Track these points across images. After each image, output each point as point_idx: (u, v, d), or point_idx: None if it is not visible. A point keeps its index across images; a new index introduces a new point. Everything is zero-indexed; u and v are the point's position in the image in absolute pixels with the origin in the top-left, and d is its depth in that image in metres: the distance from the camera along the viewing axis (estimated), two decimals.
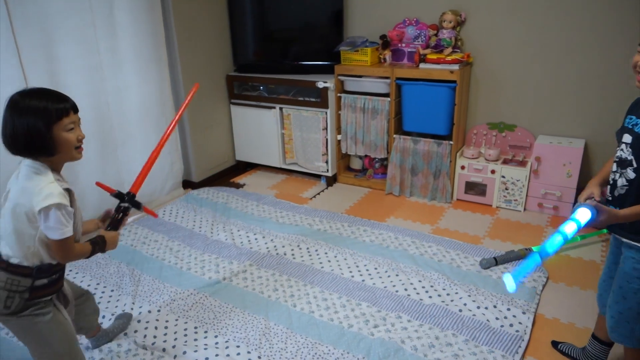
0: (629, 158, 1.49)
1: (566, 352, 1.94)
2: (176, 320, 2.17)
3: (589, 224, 1.42)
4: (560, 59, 2.99)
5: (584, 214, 1.41)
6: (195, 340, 2.04)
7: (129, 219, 1.74)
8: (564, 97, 3.04)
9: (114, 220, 1.64)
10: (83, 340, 1.97)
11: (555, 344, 1.98)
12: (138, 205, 1.69)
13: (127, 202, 1.66)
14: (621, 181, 1.51)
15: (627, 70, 2.83)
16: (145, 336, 2.07)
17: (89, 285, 2.44)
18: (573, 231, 1.40)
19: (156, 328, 2.12)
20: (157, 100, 3.21)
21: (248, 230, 2.97)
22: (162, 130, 3.29)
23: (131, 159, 3.14)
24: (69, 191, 1.41)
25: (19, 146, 1.35)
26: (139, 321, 2.17)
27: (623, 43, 2.80)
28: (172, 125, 1.91)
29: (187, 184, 3.72)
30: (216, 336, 2.05)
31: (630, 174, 1.48)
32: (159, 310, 2.23)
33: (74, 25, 2.64)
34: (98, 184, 1.78)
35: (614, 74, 2.87)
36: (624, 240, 1.55)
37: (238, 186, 3.76)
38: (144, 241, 2.85)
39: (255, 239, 2.87)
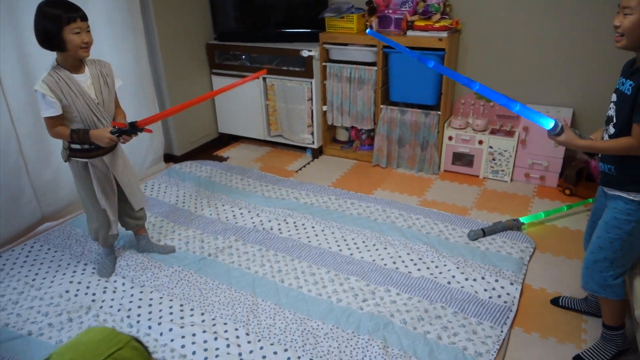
0: (612, 115, 1.55)
1: (568, 305, 1.98)
2: (161, 298, 2.12)
3: (547, 130, 1.55)
4: (548, 26, 2.92)
5: (549, 120, 1.52)
6: (182, 318, 2.00)
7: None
8: (552, 66, 2.99)
9: (118, 130, 1.95)
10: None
11: (555, 301, 2.01)
12: (139, 130, 1.97)
13: (131, 129, 1.96)
14: (605, 137, 1.58)
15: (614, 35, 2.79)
16: (128, 316, 2.02)
17: (69, 264, 2.37)
18: (527, 111, 1.54)
19: (140, 307, 2.07)
20: (133, 69, 3.06)
21: (233, 204, 2.91)
22: (140, 99, 3.16)
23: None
24: (65, 82, 1.87)
25: (40, 41, 1.83)
26: (122, 297, 2.12)
27: (611, 10, 2.74)
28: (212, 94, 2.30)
29: (169, 158, 3.61)
30: (202, 314, 2.02)
31: (611, 129, 1.55)
32: (142, 287, 2.18)
33: None
34: (114, 123, 2.03)
35: (602, 42, 2.82)
36: (609, 192, 1.61)
37: (221, 159, 3.66)
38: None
39: (241, 213, 2.81)
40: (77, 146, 2.01)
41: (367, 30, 2.42)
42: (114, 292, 2.17)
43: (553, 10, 2.87)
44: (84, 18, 1.84)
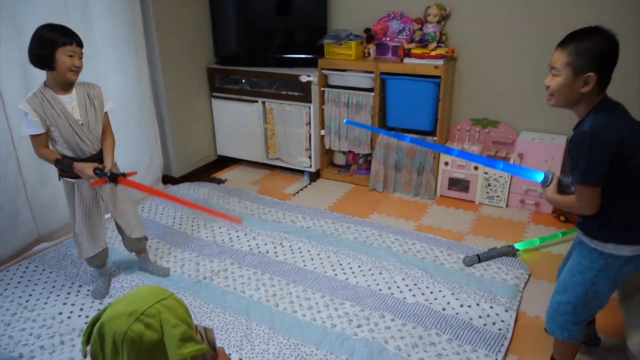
0: None
1: None
2: None
3: (534, 181, 1.59)
4: (543, 55, 2.99)
5: (539, 173, 1.55)
6: None
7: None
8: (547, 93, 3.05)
9: (101, 173, 2.01)
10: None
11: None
12: (115, 181, 2.06)
13: (110, 179, 2.04)
14: None
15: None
16: None
17: (63, 285, 2.36)
18: (513, 168, 1.65)
19: None
20: (134, 92, 3.11)
21: (230, 227, 2.92)
22: (141, 121, 3.20)
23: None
24: (49, 102, 1.93)
25: (31, 59, 1.90)
26: None
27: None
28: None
29: (167, 179, 3.63)
30: None
31: None
32: None
33: (46, 12, 2.52)
34: (104, 149, 2.12)
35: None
36: (579, 235, 1.60)
37: (219, 182, 3.69)
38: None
39: (237, 236, 2.81)
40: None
41: (345, 120, 2.69)
42: None
43: (547, 38, 2.94)
44: (80, 44, 1.93)
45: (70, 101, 2.00)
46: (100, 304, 2.23)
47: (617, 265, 1.48)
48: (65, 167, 2.00)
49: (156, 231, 2.87)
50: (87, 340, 0.91)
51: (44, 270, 2.50)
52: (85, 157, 2.04)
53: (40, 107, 1.91)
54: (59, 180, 2.13)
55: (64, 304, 2.23)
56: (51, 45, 1.85)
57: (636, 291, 1.71)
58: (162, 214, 3.10)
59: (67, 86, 2.00)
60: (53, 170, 2.67)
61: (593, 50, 1.38)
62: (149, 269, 2.45)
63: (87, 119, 2.03)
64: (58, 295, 2.29)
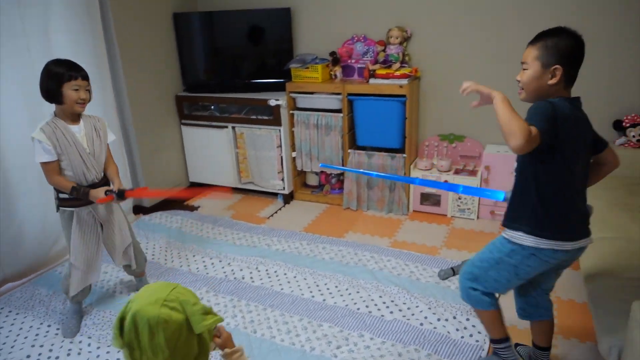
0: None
1: (521, 354, 1.99)
2: None
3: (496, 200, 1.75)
4: (501, 69, 3.11)
5: (499, 193, 1.71)
6: None
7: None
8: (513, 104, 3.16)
9: (113, 191, 2.11)
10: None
11: (516, 345, 2.03)
12: (122, 197, 2.13)
13: (118, 195, 2.11)
14: None
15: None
16: None
17: (31, 326, 2.27)
18: (473, 190, 1.83)
19: None
20: None
21: (204, 254, 2.88)
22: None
23: None
24: (61, 131, 2.01)
25: (43, 94, 2.00)
26: (87, 359, 2.04)
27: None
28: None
29: (138, 209, 3.57)
30: None
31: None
32: (109, 347, 2.10)
33: (7, 50, 2.49)
34: (108, 172, 2.21)
35: None
36: None
37: (192, 209, 3.65)
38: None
39: (212, 263, 2.78)
40: (65, 195, 2.09)
41: (320, 164, 2.80)
42: (79, 354, 2.08)
43: (504, 54, 3.07)
44: (85, 78, 2.04)
45: (79, 131, 2.09)
46: (71, 342, 2.15)
47: (521, 255, 1.56)
48: (82, 195, 2.05)
49: None
50: (119, 334, 1.03)
51: (10, 312, 2.40)
52: (87, 184, 2.11)
53: (53, 136, 2.00)
54: (57, 211, 2.16)
55: (32, 345, 2.15)
56: (58, 80, 1.96)
57: (604, 296, 1.76)
58: None
59: (75, 117, 2.09)
60: (21, 206, 2.62)
61: (559, 46, 1.48)
62: None
63: (94, 148, 2.13)
64: (26, 338, 2.20)
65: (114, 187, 2.16)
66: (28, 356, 2.08)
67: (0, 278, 2.60)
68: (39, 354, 2.09)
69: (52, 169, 2.03)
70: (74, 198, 2.08)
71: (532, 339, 1.90)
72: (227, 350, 1.20)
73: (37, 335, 2.22)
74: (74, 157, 2.05)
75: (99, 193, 2.06)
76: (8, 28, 2.50)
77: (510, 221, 1.61)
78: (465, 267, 1.74)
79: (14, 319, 2.34)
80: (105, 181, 2.19)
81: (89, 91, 2.06)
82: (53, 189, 2.12)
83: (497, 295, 1.73)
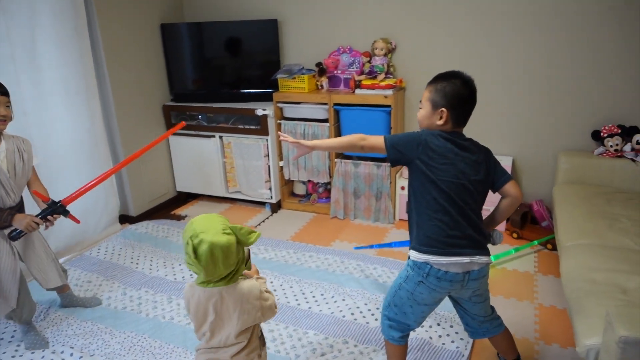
0: None
1: None
2: None
3: None
4: (486, 80, 3.18)
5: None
6: None
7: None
8: (491, 116, 3.23)
9: (42, 212, 2.02)
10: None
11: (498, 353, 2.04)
12: (64, 212, 2.06)
13: (55, 209, 2.03)
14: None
15: (550, 89, 3.06)
16: None
17: (12, 336, 2.24)
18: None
19: None
20: (88, 133, 3.08)
21: None
22: (96, 163, 3.15)
23: (65, 193, 2.94)
24: None
25: None
26: None
27: (545, 63, 3.03)
28: (131, 157, 2.42)
29: (125, 219, 3.55)
30: None
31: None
32: (91, 357, 2.08)
33: None
34: (35, 192, 2.08)
35: (536, 94, 3.09)
36: None
37: (179, 218, 3.64)
38: (75, 283, 2.68)
39: None
40: None
41: (354, 247, 2.92)
42: None
43: (487, 65, 3.14)
44: (5, 93, 1.93)
45: None
46: (53, 352, 2.12)
47: (413, 281, 1.60)
48: (4, 219, 1.93)
49: (112, 272, 2.79)
50: (197, 261, 1.28)
51: None
52: (5, 208, 2.00)
53: None
54: None
55: (13, 356, 2.11)
56: None
57: (582, 301, 1.79)
58: (119, 254, 3.02)
59: None
60: None
61: (446, 90, 1.58)
62: (79, 304, 2.43)
63: (15, 171, 2.02)
64: (6, 349, 2.17)
65: (43, 205, 2.04)
66: None
67: None
68: None
69: None
70: None
71: (498, 352, 1.92)
72: (255, 276, 1.48)
73: (18, 346, 2.18)
74: None
75: (25, 217, 1.95)
76: None
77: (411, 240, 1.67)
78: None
79: None
80: (21, 205, 2.09)
81: (9, 108, 1.95)
82: None
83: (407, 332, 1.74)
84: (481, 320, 1.76)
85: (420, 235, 1.58)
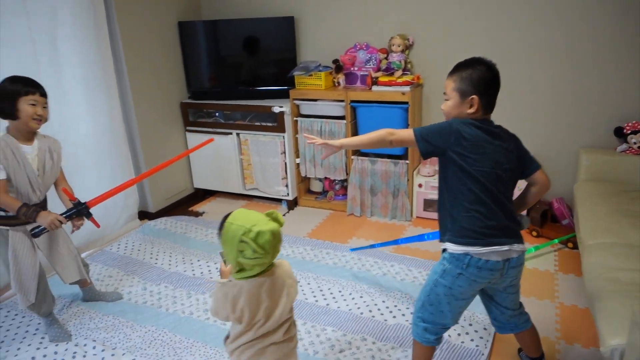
0: None
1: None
2: (133, 359, 2.07)
3: None
4: (506, 75, 3.11)
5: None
6: None
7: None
8: (512, 112, 3.19)
9: (66, 212, 2.07)
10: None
11: (519, 350, 2.03)
12: (87, 214, 2.12)
13: (80, 210, 2.09)
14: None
15: (572, 85, 3.01)
16: None
17: (37, 329, 2.29)
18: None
19: None
20: (107, 130, 3.12)
21: (209, 259, 2.90)
22: (115, 161, 3.20)
23: (86, 189, 3.00)
24: (11, 150, 1.94)
25: None
26: None
27: (566, 58, 2.98)
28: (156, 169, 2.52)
29: (144, 215, 3.60)
30: None
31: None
32: (113, 350, 2.12)
33: (14, 56, 2.54)
34: (64, 189, 2.15)
35: (557, 89, 3.04)
36: None
37: (197, 214, 3.68)
38: (97, 277, 2.72)
39: (216, 268, 2.80)
40: (2, 213, 2.01)
41: (350, 249, 2.91)
42: (84, 356, 2.10)
43: (505, 61, 3.10)
44: (43, 95, 1.98)
45: (31, 151, 2.02)
46: (76, 345, 2.17)
47: (451, 274, 1.57)
48: (29, 215, 1.96)
49: (132, 268, 2.83)
50: (263, 252, 1.31)
51: (16, 315, 2.42)
52: (30, 204, 2.03)
53: (2, 153, 1.93)
54: None
55: (38, 348, 2.16)
56: (13, 97, 1.90)
57: (606, 300, 1.77)
58: (138, 250, 3.07)
59: (29, 136, 2.03)
60: None
61: (473, 77, 1.56)
62: (100, 298, 2.49)
63: (44, 170, 2.07)
64: (31, 341, 2.22)
65: (69, 205, 2.09)
66: (33, 358, 2.10)
67: (6, 282, 2.63)
68: (44, 356, 2.11)
69: (1, 187, 1.93)
70: (10, 216, 2.00)
71: (523, 350, 1.90)
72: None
73: (42, 338, 2.23)
74: (20, 179, 1.97)
75: (50, 215, 1.99)
76: (16, 35, 2.55)
77: (441, 235, 1.66)
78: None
79: (20, 322, 2.37)
80: (45, 203, 2.12)
81: (46, 109, 2.00)
82: None
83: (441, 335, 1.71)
84: (510, 314, 1.74)
85: (456, 228, 1.56)
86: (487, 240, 1.52)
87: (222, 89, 3.77)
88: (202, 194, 4.03)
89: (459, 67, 1.60)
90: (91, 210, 2.14)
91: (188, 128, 3.82)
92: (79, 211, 2.09)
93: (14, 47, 2.54)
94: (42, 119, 1.99)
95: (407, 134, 1.60)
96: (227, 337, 1.50)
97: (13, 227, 2.04)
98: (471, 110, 1.57)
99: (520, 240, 1.58)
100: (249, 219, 1.34)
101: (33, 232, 2.03)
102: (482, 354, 2.00)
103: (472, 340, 2.08)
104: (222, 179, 3.83)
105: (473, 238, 1.53)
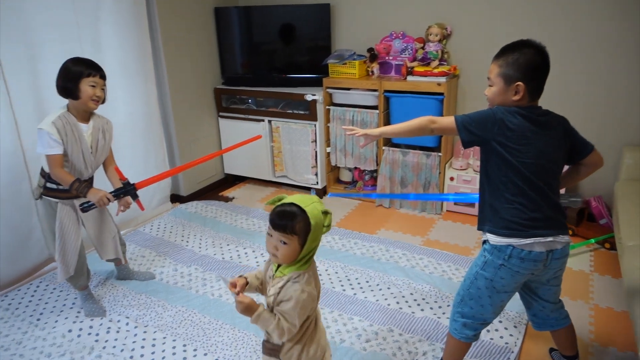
0: None
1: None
2: (164, 338, 2.12)
3: None
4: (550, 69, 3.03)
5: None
6: (184, 358, 1.99)
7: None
8: (552, 107, 3.07)
9: (115, 191, 2.15)
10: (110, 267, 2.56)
11: (551, 350, 1.98)
12: (134, 195, 2.19)
13: (128, 190, 2.15)
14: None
15: (615, 80, 2.89)
16: (132, 357, 2.02)
17: (74, 303, 2.38)
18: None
19: (143, 347, 2.07)
20: (143, 114, 3.19)
21: (237, 244, 2.94)
22: (150, 145, 3.26)
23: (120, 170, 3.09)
24: (71, 127, 2.04)
25: (58, 89, 2.03)
26: (125, 338, 2.12)
27: (610, 53, 2.86)
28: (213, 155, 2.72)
29: (175, 198, 3.68)
30: (205, 354, 2.01)
31: None
32: (145, 327, 2.18)
33: (59, 39, 2.61)
34: (116, 168, 2.25)
35: (600, 84, 2.92)
36: None
37: (227, 200, 3.72)
38: (130, 257, 2.80)
39: (245, 253, 2.83)
40: (53, 186, 2.10)
41: (329, 194, 2.96)
42: (118, 332, 2.17)
43: (550, 55, 2.99)
44: (103, 77, 2.08)
45: (86, 130, 2.12)
46: (110, 321, 2.24)
47: (492, 266, 1.54)
48: (81, 190, 2.04)
49: (164, 249, 2.90)
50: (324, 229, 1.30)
51: (54, 289, 2.52)
52: (82, 180, 2.12)
53: (63, 130, 2.02)
54: (39, 199, 2.17)
55: (74, 322, 2.25)
56: (76, 77, 1.99)
57: None
58: (170, 232, 3.14)
59: (86, 115, 2.12)
60: None
61: (520, 62, 1.48)
62: (134, 277, 2.57)
63: (96, 148, 2.16)
64: (68, 314, 2.31)
65: (114, 186, 2.18)
66: (69, 330, 2.19)
67: (46, 257, 2.74)
68: (80, 330, 2.20)
69: (56, 161, 2.02)
70: (61, 190, 2.09)
71: (558, 348, 1.86)
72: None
73: (78, 312, 2.32)
74: (76, 154, 2.07)
75: (100, 192, 2.06)
76: (62, 18, 2.62)
77: (480, 224, 1.63)
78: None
79: (58, 296, 2.46)
80: (92, 180, 2.22)
81: (104, 91, 2.08)
82: (40, 176, 2.14)
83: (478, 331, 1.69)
84: (551, 309, 1.70)
85: (497, 219, 1.52)
86: (529, 232, 1.48)
87: (255, 75, 3.78)
88: (232, 180, 4.08)
89: (504, 51, 1.52)
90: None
91: (221, 114, 3.85)
92: (127, 191, 2.15)
93: (60, 29, 2.62)
94: (100, 100, 2.08)
95: (449, 121, 1.54)
96: (272, 347, 1.42)
97: (62, 200, 2.14)
98: (516, 97, 1.50)
99: (564, 231, 1.53)
100: (315, 201, 1.30)
101: (82, 206, 2.10)
102: (512, 352, 1.96)
103: (501, 337, 2.04)
104: (252, 165, 3.87)
105: (515, 230, 1.49)
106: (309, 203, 1.28)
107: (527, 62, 1.47)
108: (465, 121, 1.51)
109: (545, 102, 1.61)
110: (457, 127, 1.52)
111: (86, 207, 2.09)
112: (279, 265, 1.36)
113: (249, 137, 3.72)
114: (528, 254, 1.48)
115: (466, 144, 1.54)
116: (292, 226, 1.25)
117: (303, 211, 1.26)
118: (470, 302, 1.62)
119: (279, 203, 1.32)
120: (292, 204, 1.28)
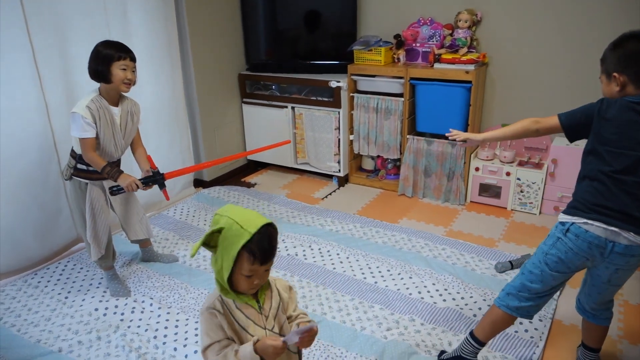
0: None
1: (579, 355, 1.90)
2: (187, 319, 2.15)
3: None
4: (577, 60, 2.93)
5: None
6: None
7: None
8: (581, 98, 2.97)
9: (145, 178, 2.20)
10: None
11: (580, 345, 1.93)
12: (161, 185, 2.24)
13: (157, 179, 2.22)
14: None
15: None
16: (155, 337, 2.06)
17: (100, 283, 2.44)
18: None
19: (166, 328, 2.11)
20: (169, 99, 3.21)
21: None
22: (174, 131, 3.29)
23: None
24: (104, 110, 2.07)
25: (91, 73, 2.05)
26: (149, 318, 2.16)
27: None
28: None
29: (198, 183, 3.71)
30: None
31: None
32: (169, 309, 2.22)
33: (88, 25, 2.64)
34: (149, 157, 2.30)
35: None
36: None
37: (249, 185, 3.74)
38: (154, 240, 2.85)
39: None
40: (84, 167, 2.15)
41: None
42: (142, 312, 2.22)
43: (581, 44, 2.89)
44: (133, 59, 2.09)
45: (117, 113, 2.16)
46: (135, 301, 2.29)
47: (552, 237, 1.56)
48: (112, 174, 2.09)
49: (187, 232, 2.94)
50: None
51: (81, 268, 2.59)
52: (111, 162, 2.18)
53: (97, 113, 2.06)
54: (69, 179, 2.22)
55: (100, 301, 2.31)
56: (107, 61, 2.01)
57: None
58: (193, 216, 3.17)
59: (116, 98, 2.15)
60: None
61: (617, 55, 1.48)
62: (158, 259, 2.62)
63: (125, 130, 2.20)
64: (95, 293, 2.37)
65: (143, 170, 2.23)
66: (96, 309, 2.24)
67: (74, 236, 2.80)
68: (106, 308, 2.25)
69: (90, 144, 2.06)
70: (91, 171, 2.14)
71: (582, 337, 1.82)
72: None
73: (105, 292, 2.38)
74: (106, 137, 2.11)
75: (130, 178, 2.10)
76: (91, 5, 2.64)
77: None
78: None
79: (85, 275, 2.52)
80: (119, 162, 2.26)
81: (134, 73, 2.10)
82: (70, 156, 2.18)
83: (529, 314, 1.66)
84: (594, 307, 1.69)
85: (573, 198, 1.56)
86: (592, 215, 1.48)
87: (279, 61, 3.76)
88: (254, 166, 4.09)
89: (605, 52, 1.53)
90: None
91: (244, 100, 3.86)
92: (156, 180, 2.21)
93: (89, 16, 2.64)
94: (131, 83, 2.09)
95: (553, 121, 1.61)
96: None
97: (92, 181, 2.19)
98: (618, 89, 1.49)
99: (638, 230, 1.45)
100: (257, 217, 1.17)
101: (111, 190, 2.16)
102: (537, 346, 1.93)
103: (526, 331, 2.01)
104: (274, 152, 3.85)
105: (579, 209, 1.50)
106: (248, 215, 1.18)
107: (624, 54, 1.47)
108: (569, 120, 1.58)
109: (581, 95, 1.55)
110: (562, 127, 1.59)
111: (115, 191, 2.14)
112: (256, 297, 1.24)
113: (272, 122, 3.75)
114: (584, 232, 1.48)
115: (571, 139, 1.60)
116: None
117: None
118: (523, 271, 1.63)
119: (258, 228, 1.13)
120: (266, 225, 1.15)
